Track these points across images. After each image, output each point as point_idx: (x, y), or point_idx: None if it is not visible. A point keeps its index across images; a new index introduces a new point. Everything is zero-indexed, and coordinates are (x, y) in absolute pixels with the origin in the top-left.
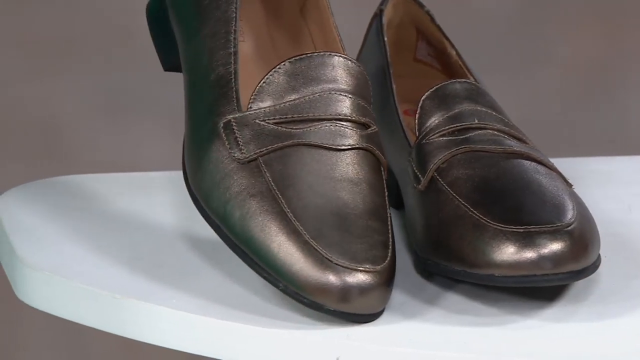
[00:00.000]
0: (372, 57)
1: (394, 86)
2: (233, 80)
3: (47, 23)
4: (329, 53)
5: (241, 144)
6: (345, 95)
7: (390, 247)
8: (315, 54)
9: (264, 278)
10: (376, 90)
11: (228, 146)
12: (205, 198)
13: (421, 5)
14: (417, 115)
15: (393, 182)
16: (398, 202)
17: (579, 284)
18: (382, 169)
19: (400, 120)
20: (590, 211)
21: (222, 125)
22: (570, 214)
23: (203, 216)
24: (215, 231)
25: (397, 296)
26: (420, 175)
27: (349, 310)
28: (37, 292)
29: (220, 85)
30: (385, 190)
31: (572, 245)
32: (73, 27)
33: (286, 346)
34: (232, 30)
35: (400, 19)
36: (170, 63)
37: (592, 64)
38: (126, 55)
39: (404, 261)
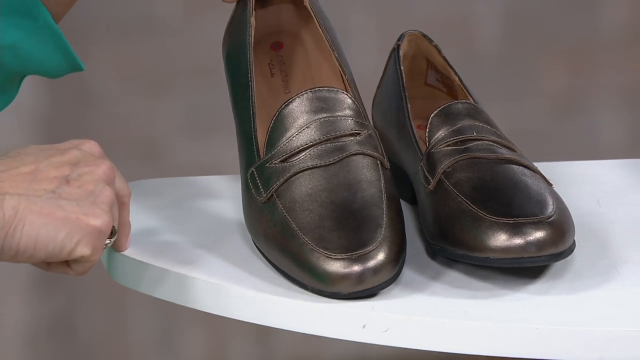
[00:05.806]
0: (391, 83)
1: (409, 106)
2: (253, 134)
3: (147, 61)
4: (308, 90)
5: (261, 187)
6: (330, 117)
7: (383, 226)
8: (296, 96)
9: (295, 284)
10: (394, 110)
11: (254, 192)
12: (249, 231)
13: (430, 41)
14: (427, 129)
15: (408, 182)
16: (412, 199)
17: (558, 264)
18: (378, 163)
19: (414, 133)
20: (567, 205)
21: (249, 176)
22: (550, 208)
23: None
24: (261, 252)
25: (410, 275)
26: (430, 178)
27: (361, 288)
28: (129, 273)
29: (247, 139)
30: (382, 180)
31: (552, 233)
32: (165, 64)
33: (319, 316)
34: (250, 95)
35: (414, 51)
36: None
37: (566, 91)
38: (206, 86)
39: (417, 246)
